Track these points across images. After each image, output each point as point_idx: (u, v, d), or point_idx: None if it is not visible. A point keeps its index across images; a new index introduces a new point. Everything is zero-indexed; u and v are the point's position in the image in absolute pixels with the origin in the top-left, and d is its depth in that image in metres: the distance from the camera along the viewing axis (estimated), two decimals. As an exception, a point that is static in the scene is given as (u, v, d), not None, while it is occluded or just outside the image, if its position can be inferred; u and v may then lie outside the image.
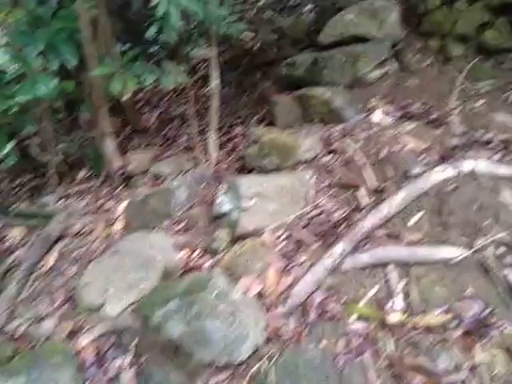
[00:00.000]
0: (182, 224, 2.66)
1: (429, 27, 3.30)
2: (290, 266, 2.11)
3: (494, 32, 2.95)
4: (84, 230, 2.94)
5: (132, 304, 2.13)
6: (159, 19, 2.71)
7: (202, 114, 4.86)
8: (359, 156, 2.63)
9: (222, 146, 3.78)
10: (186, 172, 3.40)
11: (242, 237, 2.32)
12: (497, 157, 2.39)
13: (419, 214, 2.24)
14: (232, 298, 1.87)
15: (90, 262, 2.53)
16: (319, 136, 2.85)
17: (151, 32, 2.79)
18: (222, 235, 2.37)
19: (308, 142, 2.77)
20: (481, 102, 2.84)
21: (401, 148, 2.58)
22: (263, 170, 2.77)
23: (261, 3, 5.81)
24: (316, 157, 2.75)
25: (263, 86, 4.52)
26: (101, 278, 2.30)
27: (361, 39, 3.30)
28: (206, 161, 3.47)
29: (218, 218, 2.54)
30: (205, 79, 4.85)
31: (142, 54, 3.24)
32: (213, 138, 3.52)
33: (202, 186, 2.94)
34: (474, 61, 3.04)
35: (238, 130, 4.06)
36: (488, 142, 2.51)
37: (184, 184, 2.95)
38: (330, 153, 2.76)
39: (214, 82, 3.42)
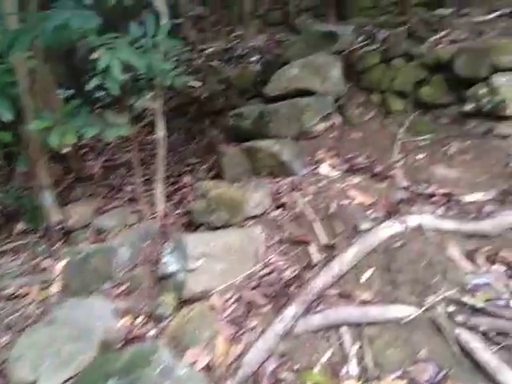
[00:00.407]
0: (124, 286, 2.51)
1: (369, 83, 3.42)
2: (240, 332, 2.01)
3: (430, 88, 3.09)
4: (18, 293, 2.73)
5: (67, 381, 1.94)
6: (101, 72, 2.64)
7: (148, 161, 4.75)
8: (309, 211, 2.61)
9: (169, 197, 3.67)
10: (130, 226, 3.26)
11: (189, 300, 2.20)
12: (440, 210, 2.44)
13: (369, 272, 2.22)
14: (178, 374, 1.74)
15: (23, 329, 2.32)
16: (268, 190, 2.82)
17: (93, 84, 2.71)
18: (168, 299, 2.24)
19: (257, 197, 2.73)
20: (422, 155, 2.93)
21: (349, 202, 2.59)
22: (211, 227, 2.69)
23: (208, 52, 5.88)
24: (265, 212, 2.71)
25: (211, 135, 4.50)
26: (34, 350, 2.09)
27: (305, 93, 3.36)
28: (152, 214, 3.34)
29: (163, 280, 2.41)
30: (152, 125, 4.79)
31: (86, 103, 3.14)
32: (159, 190, 3.41)
33: (147, 243, 2.81)
34: (413, 115, 3.16)
35: (187, 179, 3.98)
36: (431, 196, 2.57)
37: (127, 241, 2.81)
38: (279, 207, 2.72)
39: (160, 133, 3.35)
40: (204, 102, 4.64)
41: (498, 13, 3.49)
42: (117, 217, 3.45)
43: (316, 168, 3.00)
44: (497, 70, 2.74)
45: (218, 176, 3.50)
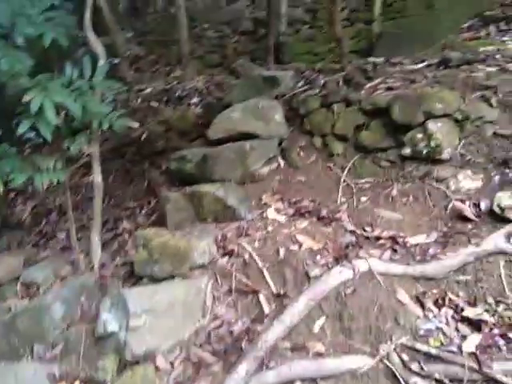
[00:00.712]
0: (59, 348, 2.28)
1: (311, 126, 3.47)
2: (189, 396, 1.86)
3: (369, 133, 3.18)
4: None
5: None
6: (34, 115, 2.47)
7: (82, 206, 4.51)
8: (257, 258, 2.53)
9: (106, 246, 3.47)
10: (63, 279, 3.02)
11: (132, 362, 2.02)
12: (387, 254, 2.46)
13: (322, 321, 2.17)
14: None
15: None
16: (214, 237, 2.72)
17: (24, 128, 2.53)
18: (108, 362, 2.05)
19: (202, 245, 2.61)
20: (365, 197, 2.97)
21: (297, 248, 2.55)
22: (154, 279, 2.53)
23: (146, 92, 5.79)
24: (212, 260, 2.59)
25: (151, 177, 4.36)
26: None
27: (249, 136, 3.34)
28: (88, 265, 3.12)
29: (102, 340, 2.22)
30: (86, 166, 4.57)
31: (15, 145, 2.93)
32: (96, 238, 3.21)
33: (83, 299, 2.59)
34: (355, 158, 3.22)
35: (125, 225, 3.79)
36: (377, 239, 2.59)
37: (61, 296, 2.59)
38: (226, 255, 2.62)
39: (97, 178, 3.19)
40: (143, 143, 4.51)
41: (426, 63, 3.71)
42: (49, 268, 3.20)
43: (262, 212, 2.95)
44: (431, 116, 2.87)
45: (160, 222, 3.36)
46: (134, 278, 2.72)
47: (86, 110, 2.68)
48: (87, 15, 2.97)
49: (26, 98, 2.41)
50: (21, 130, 2.50)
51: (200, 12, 7.40)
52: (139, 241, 2.72)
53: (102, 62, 2.91)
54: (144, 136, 4.50)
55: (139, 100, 5.44)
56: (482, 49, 4.09)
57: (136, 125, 3.77)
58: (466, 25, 5.61)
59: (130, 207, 4.19)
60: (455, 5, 5.84)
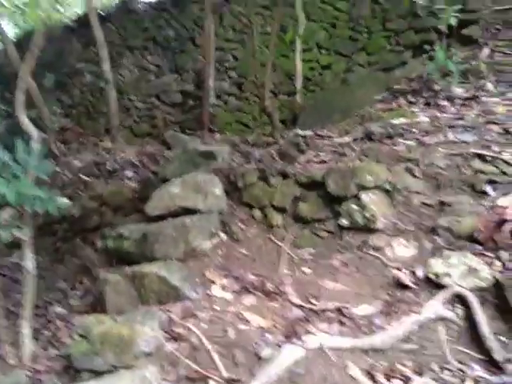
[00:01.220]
0: None
1: (250, 199, 3.55)
2: None
3: (306, 204, 3.31)
4: None
5: None
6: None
7: (9, 289, 4.18)
8: (205, 341, 2.46)
9: (37, 334, 3.20)
10: (-12, 379, 2.71)
11: None
12: (335, 327, 2.49)
13: (277, 405, 2.12)
14: None
15: None
16: (158, 321, 2.61)
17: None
18: None
19: (147, 330, 2.49)
20: (308, 269, 3.03)
21: (245, 327, 2.52)
22: (95, 372, 2.36)
23: (76, 165, 5.65)
24: (158, 347, 2.47)
25: (84, 255, 4.17)
26: None
27: (188, 211, 3.34)
28: (18, 359, 2.85)
29: None
30: (13, 245, 4.27)
31: None
32: (26, 328, 2.96)
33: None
34: (294, 230, 3.32)
35: (58, 309, 3.55)
36: (324, 311, 2.63)
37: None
38: (172, 340, 2.52)
39: (28, 264, 3.00)
40: (75, 219, 4.34)
41: (352, 137, 4.00)
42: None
43: (207, 290, 2.90)
44: (363, 188, 3.06)
45: (96, 305, 3.19)
46: (71, 371, 2.51)
47: (20, 194, 2.56)
48: (20, 97, 2.90)
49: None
50: None
51: (128, 85, 7.49)
52: (77, 330, 2.54)
53: (35, 144, 2.82)
54: (76, 212, 4.33)
55: (68, 174, 5.28)
56: (396, 121, 4.49)
57: (66, 201, 3.64)
58: (378, 97, 6.16)
59: (61, 288, 3.95)
60: (366, 80, 6.42)
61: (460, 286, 2.41)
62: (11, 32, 10.51)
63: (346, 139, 3.97)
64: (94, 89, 7.58)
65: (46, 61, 5.64)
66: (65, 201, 3.70)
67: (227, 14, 7.19)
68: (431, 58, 5.94)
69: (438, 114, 4.56)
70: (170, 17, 7.47)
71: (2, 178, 2.47)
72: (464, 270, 2.42)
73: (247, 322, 2.56)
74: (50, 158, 5.33)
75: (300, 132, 4.51)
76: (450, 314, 2.35)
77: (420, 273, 2.63)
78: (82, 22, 7.66)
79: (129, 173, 4.79)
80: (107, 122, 6.96)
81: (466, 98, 4.99)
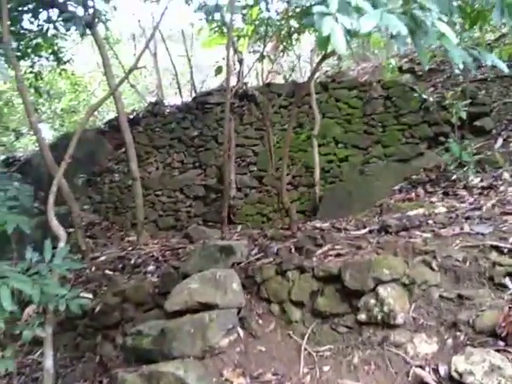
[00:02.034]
0: None
1: (268, 294, 3.56)
2: None
3: (324, 299, 3.29)
4: None
5: None
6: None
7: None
8: None
9: None
10: None
11: None
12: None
13: None
14: None
15: None
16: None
17: (-25, 319, 2.45)
18: None
19: None
20: (327, 367, 2.95)
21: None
22: None
23: (100, 260, 5.79)
24: None
25: (104, 352, 4.15)
26: None
27: (207, 307, 3.35)
28: None
29: None
30: (32, 343, 4.29)
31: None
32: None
33: None
34: (313, 325, 3.27)
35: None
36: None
37: None
38: None
39: (48, 363, 3.03)
40: (97, 315, 4.37)
41: (368, 229, 4.06)
42: None
43: (224, 389, 2.84)
44: (380, 282, 3.05)
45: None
46: None
47: (44, 293, 2.66)
48: (51, 200, 3.12)
49: (-18, 288, 2.38)
50: (-28, 320, 2.42)
51: (154, 181, 7.87)
52: None
53: (62, 244, 2.98)
54: (98, 308, 4.38)
55: (93, 268, 5.40)
56: (414, 212, 4.55)
57: (89, 297, 3.71)
58: (396, 187, 6.28)
59: (80, 391, 3.90)
60: (383, 171, 6.61)
61: (485, 385, 2.31)
62: (49, 134, 11.36)
63: (363, 232, 4.02)
64: (122, 186, 7.97)
65: (78, 161, 6.04)
66: (88, 297, 3.79)
67: (247, 114, 7.67)
68: (447, 150, 6.13)
69: (456, 204, 4.62)
70: (194, 118, 8.01)
71: (28, 279, 2.59)
72: (487, 368, 2.33)
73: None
74: (77, 253, 5.51)
75: (317, 225, 4.60)
76: (476, 418, 2.22)
77: (443, 371, 2.54)
78: (113, 125, 8.28)
79: (151, 267, 4.87)
80: (133, 216, 7.23)
81: (483, 188, 5.06)
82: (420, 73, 7.95)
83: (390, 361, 2.79)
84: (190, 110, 8.09)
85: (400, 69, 8.35)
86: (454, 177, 5.61)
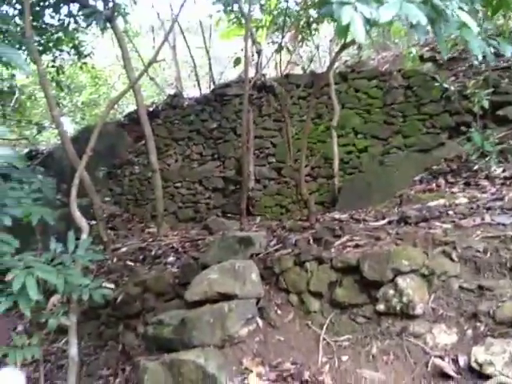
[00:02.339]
0: None
1: (286, 284, 3.58)
2: None
3: (343, 290, 3.30)
4: None
5: None
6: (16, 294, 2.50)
7: (52, 376, 4.28)
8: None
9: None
10: None
11: None
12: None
13: None
14: None
15: None
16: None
17: (3, 308, 2.53)
18: None
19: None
20: (346, 356, 2.97)
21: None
22: None
23: (121, 251, 5.89)
24: None
25: (126, 341, 4.24)
26: None
27: (226, 297, 3.40)
28: None
29: None
30: (57, 331, 4.41)
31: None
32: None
33: None
34: (331, 315, 3.29)
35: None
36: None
37: None
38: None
39: (72, 351, 3.11)
40: (119, 305, 4.47)
41: (387, 220, 4.04)
42: None
43: (244, 379, 2.88)
44: (399, 272, 3.04)
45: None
46: None
47: (68, 283, 2.74)
48: (73, 193, 3.19)
49: (8, 277, 2.47)
50: (1, 308, 2.51)
51: (173, 173, 7.93)
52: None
53: (84, 236, 3.05)
54: (120, 298, 4.47)
55: (115, 259, 5.50)
56: (435, 202, 4.50)
57: (111, 286, 3.80)
58: (416, 178, 6.20)
59: (103, 376, 4.00)
60: (404, 162, 6.53)
61: (504, 375, 2.29)
62: (70, 127, 11.54)
63: (382, 222, 4.00)
64: (142, 178, 8.07)
65: (99, 153, 6.13)
66: (110, 287, 3.87)
67: (265, 105, 7.66)
68: (469, 139, 6.02)
69: (478, 195, 4.55)
70: (213, 110, 8.04)
71: (53, 269, 2.66)
72: (508, 359, 2.32)
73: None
74: (99, 244, 5.62)
75: (336, 216, 4.59)
76: (496, 408, 2.22)
77: (462, 362, 2.53)
78: (133, 118, 8.36)
79: (171, 258, 4.94)
80: (153, 208, 7.32)
81: (506, 178, 4.97)
82: (441, 62, 7.80)
83: (409, 351, 2.79)
84: (209, 102, 8.12)
85: (421, 58, 8.19)
86: (476, 167, 5.51)
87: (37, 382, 3.54)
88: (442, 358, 2.65)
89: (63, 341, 4.46)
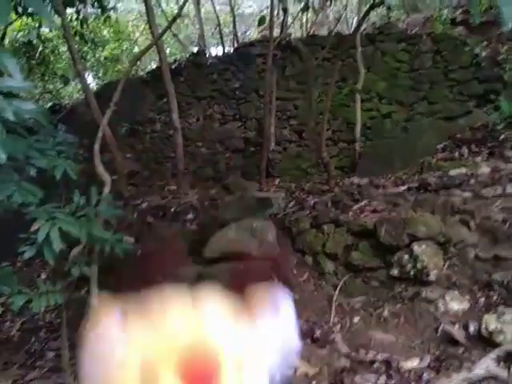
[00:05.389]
0: None
1: (302, 245, 3.63)
2: None
3: (358, 253, 3.34)
4: None
5: None
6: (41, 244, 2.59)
7: (74, 323, 4.46)
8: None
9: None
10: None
11: None
12: (382, 380, 2.47)
13: None
14: None
15: None
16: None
17: (29, 254, 2.63)
18: None
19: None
20: (357, 318, 3.04)
21: (292, 373, 2.55)
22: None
23: (142, 207, 6.00)
24: None
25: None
26: None
27: (243, 256, 3.47)
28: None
29: None
30: (80, 280, 4.59)
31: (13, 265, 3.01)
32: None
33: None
34: (345, 277, 3.34)
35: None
36: (372, 362, 2.62)
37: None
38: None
39: (93, 300, 3.23)
40: (137, 260, 4.59)
41: (406, 186, 4.01)
42: (37, 394, 3.10)
43: (256, 334, 2.97)
44: (415, 239, 3.06)
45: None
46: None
47: (90, 235, 2.82)
48: (97, 147, 3.24)
49: (34, 227, 2.55)
50: (26, 255, 2.61)
51: (194, 132, 7.93)
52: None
53: (106, 190, 3.11)
54: (139, 253, 4.59)
55: (135, 215, 5.62)
56: (457, 171, 4.44)
57: (131, 240, 3.89)
58: (440, 146, 6.09)
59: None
60: (427, 129, 6.40)
61: (514, 344, 2.33)
62: (93, 83, 11.56)
63: (401, 189, 3.98)
64: (163, 136, 8.08)
65: (121, 110, 6.16)
66: (131, 241, 3.97)
67: (289, 66, 7.52)
68: (496, 108, 5.85)
69: (502, 165, 4.46)
70: (235, 69, 7.92)
71: (75, 221, 2.74)
72: (518, 328, 2.35)
73: (294, 367, 2.60)
74: (120, 200, 5.72)
75: (355, 181, 4.58)
76: (502, 373, 2.26)
77: (472, 329, 2.57)
78: (155, 75, 8.30)
79: (190, 216, 5.02)
80: (174, 166, 7.37)
81: (532, 148, 4.85)
82: (474, 26, 7.50)
83: (420, 316, 2.84)
84: (232, 61, 8.00)
85: (453, 21, 7.88)
86: (502, 137, 5.39)
87: (59, 328, 3.71)
88: (452, 324, 2.69)
89: (84, 290, 4.64)
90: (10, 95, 1.74)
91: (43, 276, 5.15)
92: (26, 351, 4.14)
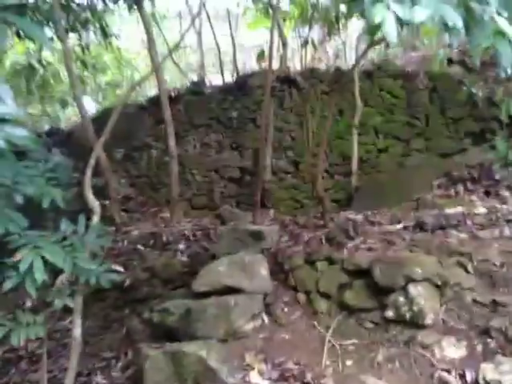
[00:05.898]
0: None
1: (295, 282, 3.54)
2: None
3: (352, 293, 3.24)
4: None
5: None
6: (23, 274, 2.49)
7: (56, 353, 4.31)
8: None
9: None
10: None
11: None
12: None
13: None
14: None
15: None
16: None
17: (9, 285, 2.53)
18: None
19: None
20: (350, 361, 2.92)
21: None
22: None
23: (133, 234, 5.90)
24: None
25: (131, 325, 4.24)
26: None
27: (233, 290, 3.36)
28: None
29: None
30: (64, 310, 4.45)
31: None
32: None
33: None
34: (339, 317, 3.24)
35: (99, 380, 3.60)
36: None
37: None
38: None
39: (76, 332, 3.11)
40: (126, 289, 4.48)
41: (402, 224, 3.95)
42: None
43: (245, 376, 2.85)
44: (411, 280, 2.97)
45: (136, 378, 3.22)
46: None
47: (76, 265, 2.72)
48: (88, 174, 3.17)
49: (16, 257, 2.46)
50: (6, 287, 2.50)
51: (190, 159, 7.90)
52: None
53: (96, 219, 3.03)
54: (128, 282, 4.47)
55: (126, 242, 5.51)
56: (452, 210, 4.39)
57: (120, 269, 3.79)
58: (435, 182, 6.07)
59: (105, 358, 4.01)
60: (424, 165, 6.40)
61: (513, 398, 2.22)
62: (92, 107, 11.58)
63: (397, 227, 3.92)
64: (159, 162, 8.03)
65: (118, 135, 6.12)
66: (119, 271, 3.86)
67: (287, 98, 7.56)
68: (493, 147, 5.87)
69: (498, 205, 4.43)
70: (234, 99, 7.96)
71: (61, 250, 2.65)
72: (517, 380, 2.25)
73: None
74: (111, 225, 5.63)
75: (351, 216, 4.51)
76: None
77: (469, 377, 2.47)
78: (154, 101, 8.33)
79: (182, 246, 4.93)
80: (168, 193, 7.30)
81: (528, 190, 4.83)
82: (470, 66, 7.60)
83: (415, 361, 2.74)
84: (231, 91, 8.03)
85: (450, 60, 7.99)
86: (498, 176, 5.38)
87: (40, 359, 3.56)
88: (448, 371, 2.59)
89: (69, 320, 4.49)
90: (1, 121, 1.69)
91: (28, 303, 4.99)
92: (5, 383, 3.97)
